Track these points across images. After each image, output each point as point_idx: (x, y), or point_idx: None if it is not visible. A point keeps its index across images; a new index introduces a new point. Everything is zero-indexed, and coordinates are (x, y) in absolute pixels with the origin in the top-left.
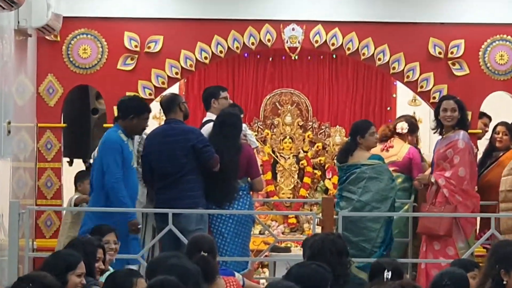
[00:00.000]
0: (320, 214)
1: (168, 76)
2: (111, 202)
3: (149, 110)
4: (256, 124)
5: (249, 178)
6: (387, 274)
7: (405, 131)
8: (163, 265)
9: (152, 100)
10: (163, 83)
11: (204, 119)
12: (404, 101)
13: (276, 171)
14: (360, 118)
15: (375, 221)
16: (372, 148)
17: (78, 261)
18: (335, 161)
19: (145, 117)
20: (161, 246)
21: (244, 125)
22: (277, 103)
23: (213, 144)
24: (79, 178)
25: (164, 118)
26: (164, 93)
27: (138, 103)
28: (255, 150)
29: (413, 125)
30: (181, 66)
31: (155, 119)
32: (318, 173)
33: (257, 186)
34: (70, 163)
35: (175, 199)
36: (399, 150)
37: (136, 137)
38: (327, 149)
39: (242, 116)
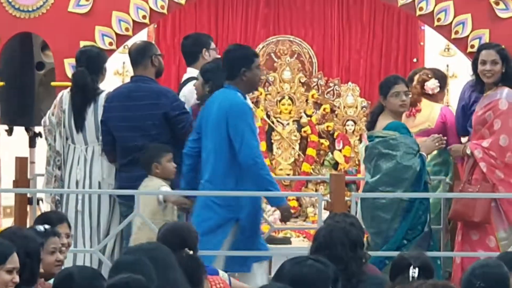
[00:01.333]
0: (328, 195)
1: (133, 20)
2: (256, 185)
3: (257, 55)
4: None
5: None
6: (413, 272)
7: (438, 90)
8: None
9: (113, 51)
10: (127, 29)
11: (185, 77)
12: (434, 50)
13: (272, 141)
14: (378, 72)
15: (386, 210)
16: (398, 112)
17: (8, 253)
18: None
19: (257, 64)
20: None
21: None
22: (272, 54)
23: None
24: (155, 155)
25: (129, 74)
26: (130, 42)
27: (242, 51)
28: None
29: (442, 79)
30: (150, 8)
31: (117, 75)
32: (325, 143)
33: None
34: (9, 132)
35: (142, 178)
36: (429, 114)
37: (101, 99)
38: (336, 112)
39: None
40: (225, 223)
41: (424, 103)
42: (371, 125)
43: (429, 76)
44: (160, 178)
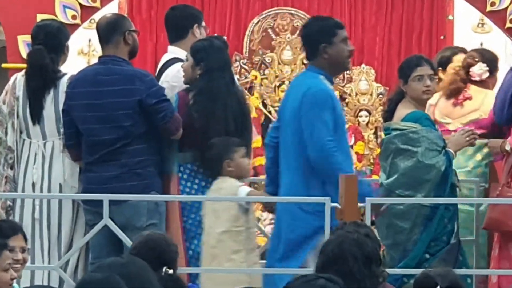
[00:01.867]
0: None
1: None
2: (330, 183)
3: (341, 25)
4: (237, 63)
5: None
6: None
7: (486, 76)
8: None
9: (77, 26)
10: (93, 0)
11: (166, 57)
12: (466, 26)
13: None
14: (398, 53)
15: (404, 218)
16: (421, 100)
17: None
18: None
19: (342, 37)
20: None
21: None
22: (270, 31)
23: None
24: (225, 150)
25: (97, 54)
26: (98, 15)
27: (320, 23)
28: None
29: (492, 62)
30: None
31: (82, 55)
32: None
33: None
34: None
35: (114, 180)
36: (481, 102)
37: (63, 84)
38: (347, 100)
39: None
40: (312, 233)
41: (474, 89)
42: (388, 115)
43: (476, 59)
44: (234, 178)
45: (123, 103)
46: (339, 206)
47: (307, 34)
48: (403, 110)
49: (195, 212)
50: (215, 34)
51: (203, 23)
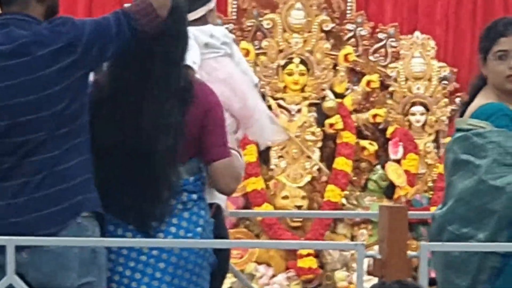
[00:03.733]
0: (375, 246)
1: None
2: None
3: None
4: None
5: (204, 160)
6: None
7: None
8: None
9: None
10: None
11: None
12: None
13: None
14: (472, 12)
15: (460, 270)
16: (505, 89)
17: None
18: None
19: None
20: None
21: (221, 29)
22: None
23: (119, 77)
24: None
25: None
26: None
27: None
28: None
29: None
30: None
31: None
32: (371, 147)
33: (223, 179)
34: None
35: (20, 211)
36: None
37: None
38: (391, 89)
39: (211, 4)
40: None
41: None
42: (464, 108)
43: None
44: None
45: (35, 80)
46: (378, 256)
47: None
48: (478, 100)
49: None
50: None
51: None
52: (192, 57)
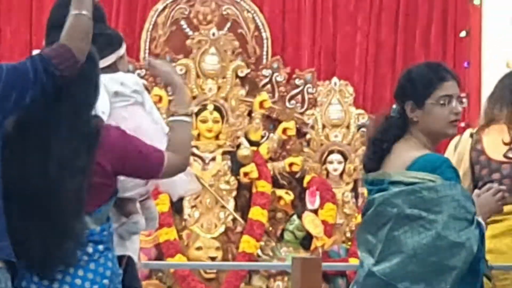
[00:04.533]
0: None
1: None
2: None
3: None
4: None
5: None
6: None
7: None
8: None
9: None
10: None
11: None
12: (500, 14)
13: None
14: (392, 58)
15: None
16: (443, 135)
17: None
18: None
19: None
20: None
21: (132, 77)
22: (183, 23)
23: (25, 116)
24: None
25: None
26: None
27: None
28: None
29: None
30: None
31: None
32: (287, 197)
33: (172, 170)
34: None
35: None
36: None
37: None
38: (308, 136)
39: (120, 51)
40: None
41: None
42: (375, 161)
43: None
44: None
45: None
46: None
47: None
48: (408, 151)
49: None
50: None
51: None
52: (101, 106)
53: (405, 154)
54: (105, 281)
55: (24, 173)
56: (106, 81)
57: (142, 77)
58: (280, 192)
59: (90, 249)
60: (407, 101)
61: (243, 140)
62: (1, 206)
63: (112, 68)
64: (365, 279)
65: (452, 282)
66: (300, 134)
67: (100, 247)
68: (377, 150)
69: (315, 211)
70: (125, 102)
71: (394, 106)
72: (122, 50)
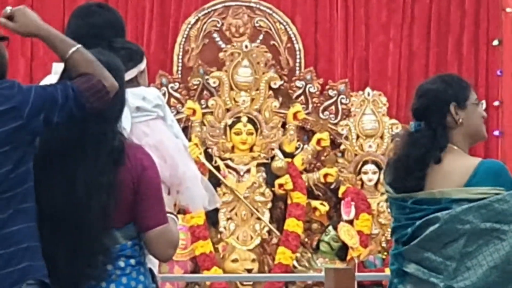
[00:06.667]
0: None
1: None
2: None
3: None
4: (164, 89)
5: (139, 227)
6: None
7: None
8: None
9: None
10: None
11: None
12: None
13: (217, 206)
14: (423, 68)
15: None
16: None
17: None
18: (383, 181)
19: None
20: None
21: (153, 91)
22: (216, 35)
23: (50, 135)
24: None
25: None
26: None
27: None
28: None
29: None
30: None
31: None
32: (322, 208)
33: (160, 246)
34: None
35: None
36: None
37: None
38: (343, 147)
39: (141, 66)
40: None
41: None
42: (411, 179)
43: None
44: None
45: None
46: None
47: None
48: (460, 163)
49: None
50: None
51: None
52: (123, 122)
53: (458, 167)
54: None
55: (51, 192)
56: (128, 96)
57: (175, 91)
58: (315, 203)
59: (122, 264)
60: (450, 103)
61: (277, 151)
62: (36, 228)
63: (133, 83)
64: None
65: None
66: (334, 145)
67: (132, 261)
68: (412, 168)
69: (350, 222)
70: (146, 117)
71: (412, 122)
72: (143, 65)
